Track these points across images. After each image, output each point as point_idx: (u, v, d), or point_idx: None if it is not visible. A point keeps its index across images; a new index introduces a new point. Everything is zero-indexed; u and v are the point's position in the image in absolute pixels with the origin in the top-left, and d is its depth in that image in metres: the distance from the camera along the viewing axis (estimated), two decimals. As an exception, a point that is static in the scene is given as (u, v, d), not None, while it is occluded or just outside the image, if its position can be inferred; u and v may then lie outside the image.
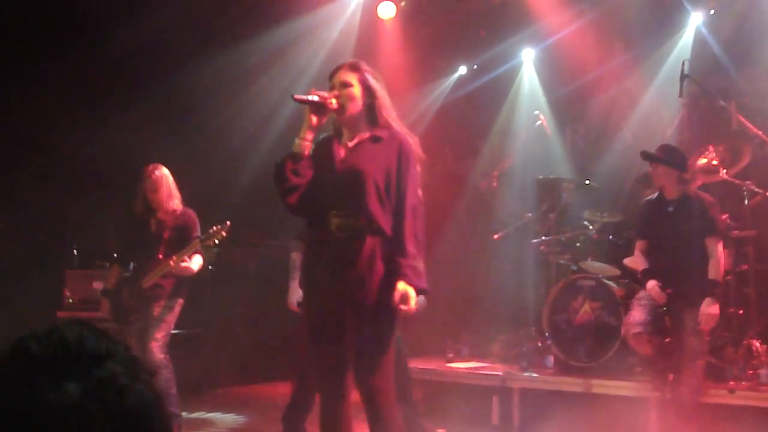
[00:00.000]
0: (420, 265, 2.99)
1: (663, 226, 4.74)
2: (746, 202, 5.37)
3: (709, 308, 4.43)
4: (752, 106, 6.04)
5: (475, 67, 8.14)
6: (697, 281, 4.56)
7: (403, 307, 2.88)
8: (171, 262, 4.53)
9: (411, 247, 2.97)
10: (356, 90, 3.06)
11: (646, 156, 4.81)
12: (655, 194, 4.88)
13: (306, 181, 3.03)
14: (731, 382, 4.80)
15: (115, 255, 5.11)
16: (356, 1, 7.43)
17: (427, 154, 3.23)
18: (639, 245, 4.94)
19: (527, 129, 7.11)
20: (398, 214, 3.01)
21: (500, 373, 5.51)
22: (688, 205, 4.67)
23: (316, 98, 2.99)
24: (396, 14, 7.48)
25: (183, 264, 4.57)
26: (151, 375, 0.91)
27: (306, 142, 3.04)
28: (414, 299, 2.91)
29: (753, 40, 6.24)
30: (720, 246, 4.61)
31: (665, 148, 4.80)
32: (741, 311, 5.27)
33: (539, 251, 6.31)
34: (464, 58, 8.11)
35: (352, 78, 3.07)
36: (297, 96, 3.01)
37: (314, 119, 3.02)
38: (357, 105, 3.07)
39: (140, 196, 4.83)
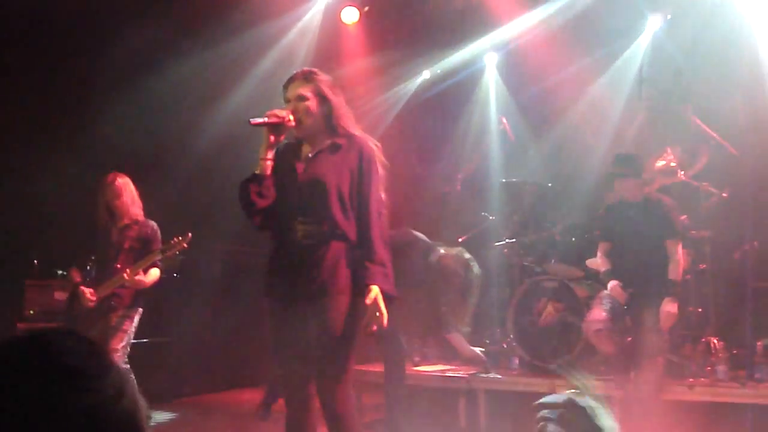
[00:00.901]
0: (389, 271, 3.01)
1: (625, 229, 4.84)
2: (703, 203, 5.48)
3: (669, 307, 4.54)
4: (709, 109, 6.18)
5: (439, 71, 8.19)
6: (657, 281, 4.67)
7: (376, 314, 2.89)
8: (125, 275, 4.48)
9: (380, 251, 2.99)
10: (312, 102, 3.05)
11: (614, 176, 4.83)
12: (617, 198, 4.97)
13: (270, 201, 3.03)
14: (690, 379, 4.90)
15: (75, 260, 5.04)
16: (318, 6, 7.43)
17: (390, 158, 3.24)
18: (602, 247, 5.05)
19: (490, 133, 7.18)
20: (363, 219, 3.01)
21: (466, 376, 5.55)
22: (649, 208, 4.78)
23: (273, 119, 2.97)
24: (359, 19, 7.50)
25: (137, 276, 4.52)
26: (133, 393, 0.87)
27: (267, 162, 3.03)
28: (383, 305, 2.92)
29: (709, 44, 6.38)
30: (680, 247, 4.72)
31: (626, 160, 4.85)
32: (700, 309, 5.39)
33: (503, 254, 6.37)
34: (427, 62, 8.16)
35: (307, 90, 3.05)
36: (254, 120, 2.97)
37: (273, 138, 3.02)
38: (314, 117, 3.06)
39: (102, 205, 4.79)
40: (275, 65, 7.16)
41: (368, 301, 2.89)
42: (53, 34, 6.19)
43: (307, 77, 3.09)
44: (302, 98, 3.04)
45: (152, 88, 6.52)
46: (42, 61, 6.13)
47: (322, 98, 3.06)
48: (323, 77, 3.11)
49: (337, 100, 3.09)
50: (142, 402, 0.87)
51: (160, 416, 5.89)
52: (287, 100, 3.08)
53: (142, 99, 6.51)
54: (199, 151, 6.99)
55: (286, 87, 3.11)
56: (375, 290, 2.90)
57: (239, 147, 6.67)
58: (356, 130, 3.13)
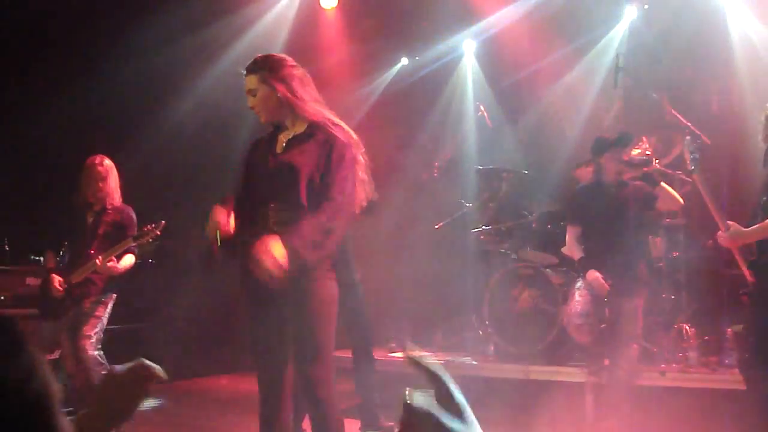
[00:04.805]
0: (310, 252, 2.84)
1: (602, 212, 4.71)
2: (677, 191, 5.53)
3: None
4: (684, 98, 6.24)
5: (417, 58, 8.18)
6: (634, 268, 4.64)
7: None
8: (97, 261, 4.42)
9: (312, 230, 2.84)
10: (261, 93, 3.02)
11: (603, 152, 4.72)
12: (591, 181, 4.93)
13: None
14: (662, 365, 4.97)
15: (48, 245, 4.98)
16: (299, -10, 7.37)
17: (368, 144, 3.20)
18: (572, 231, 4.88)
19: (468, 120, 7.19)
20: (317, 206, 2.90)
21: (442, 362, 5.57)
22: (625, 191, 4.71)
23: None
24: (338, 4, 7.45)
25: (109, 263, 4.45)
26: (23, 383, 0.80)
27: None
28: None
29: (684, 34, 6.43)
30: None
31: (607, 139, 4.76)
32: (672, 296, 5.45)
33: (479, 241, 6.39)
34: (406, 48, 8.14)
35: (254, 83, 3.03)
36: None
37: None
38: (271, 106, 3.03)
39: (83, 186, 4.71)
40: (252, 50, 7.05)
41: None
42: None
43: (252, 69, 3.05)
44: (252, 92, 3.04)
45: (124, 74, 6.43)
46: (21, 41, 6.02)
47: (272, 85, 3.01)
48: (269, 63, 3.05)
49: (286, 84, 3.01)
50: (55, 386, 0.83)
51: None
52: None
53: (116, 84, 6.42)
54: (174, 138, 6.92)
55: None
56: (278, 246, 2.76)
57: (212, 134, 6.66)
58: (324, 111, 3.06)
